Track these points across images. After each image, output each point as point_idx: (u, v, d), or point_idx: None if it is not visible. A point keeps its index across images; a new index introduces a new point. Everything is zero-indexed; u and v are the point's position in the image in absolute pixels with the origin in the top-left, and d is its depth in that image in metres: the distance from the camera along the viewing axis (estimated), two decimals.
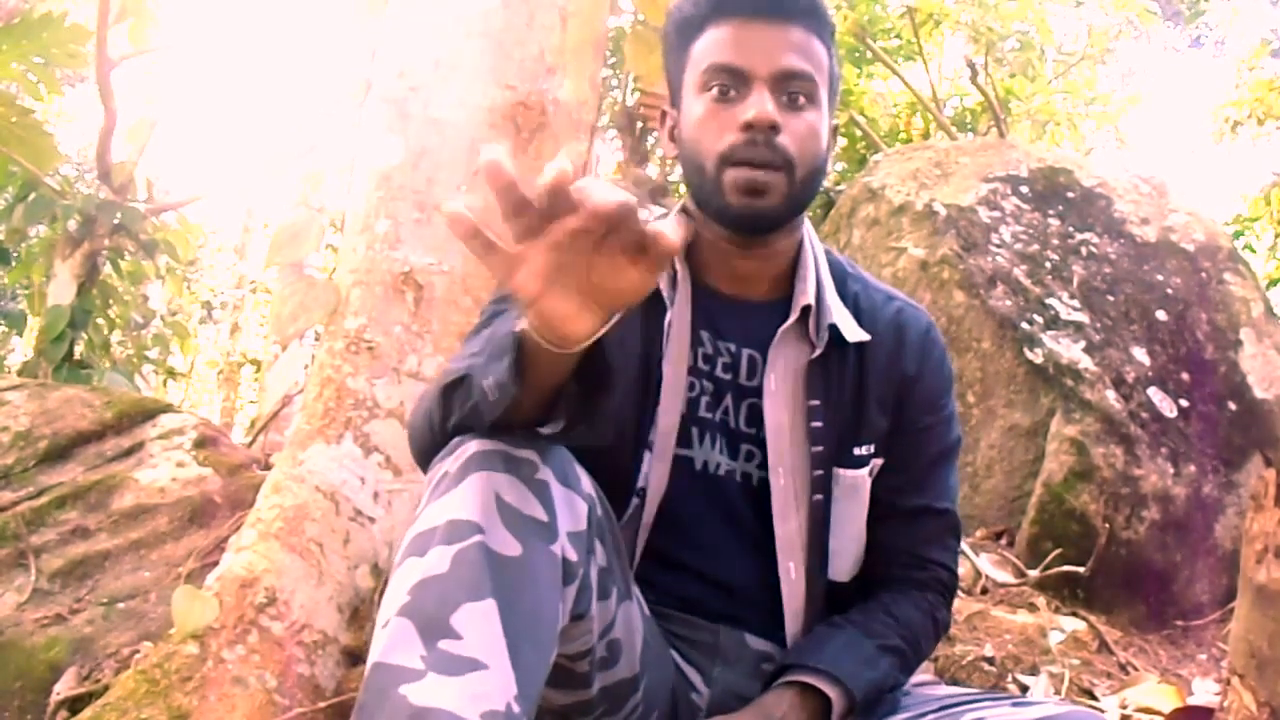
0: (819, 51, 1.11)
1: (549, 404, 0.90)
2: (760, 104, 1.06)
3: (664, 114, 1.19)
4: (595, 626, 0.96)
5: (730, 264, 1.16)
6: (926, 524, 1.19)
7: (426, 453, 0.98)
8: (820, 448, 1.14)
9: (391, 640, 0.80)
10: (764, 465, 1.15)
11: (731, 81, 1.08)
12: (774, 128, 1.06)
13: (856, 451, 1.16)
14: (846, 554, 1.18)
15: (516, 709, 0.79)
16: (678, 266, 1.16)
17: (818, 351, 1.14)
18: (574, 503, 0.92)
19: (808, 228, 1.20)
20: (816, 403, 1.14)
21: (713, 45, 1.10)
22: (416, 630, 0.80)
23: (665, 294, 1.15)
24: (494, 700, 0.78)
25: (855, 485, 1.16)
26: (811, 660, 1.06)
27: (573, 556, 0.89)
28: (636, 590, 1.07)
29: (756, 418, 1.15)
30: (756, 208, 1.08)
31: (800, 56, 1.08)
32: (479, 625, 0.80)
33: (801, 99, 1.09)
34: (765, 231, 1.12)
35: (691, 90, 1.12)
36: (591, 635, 0.96)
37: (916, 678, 1.19)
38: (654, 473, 1.14)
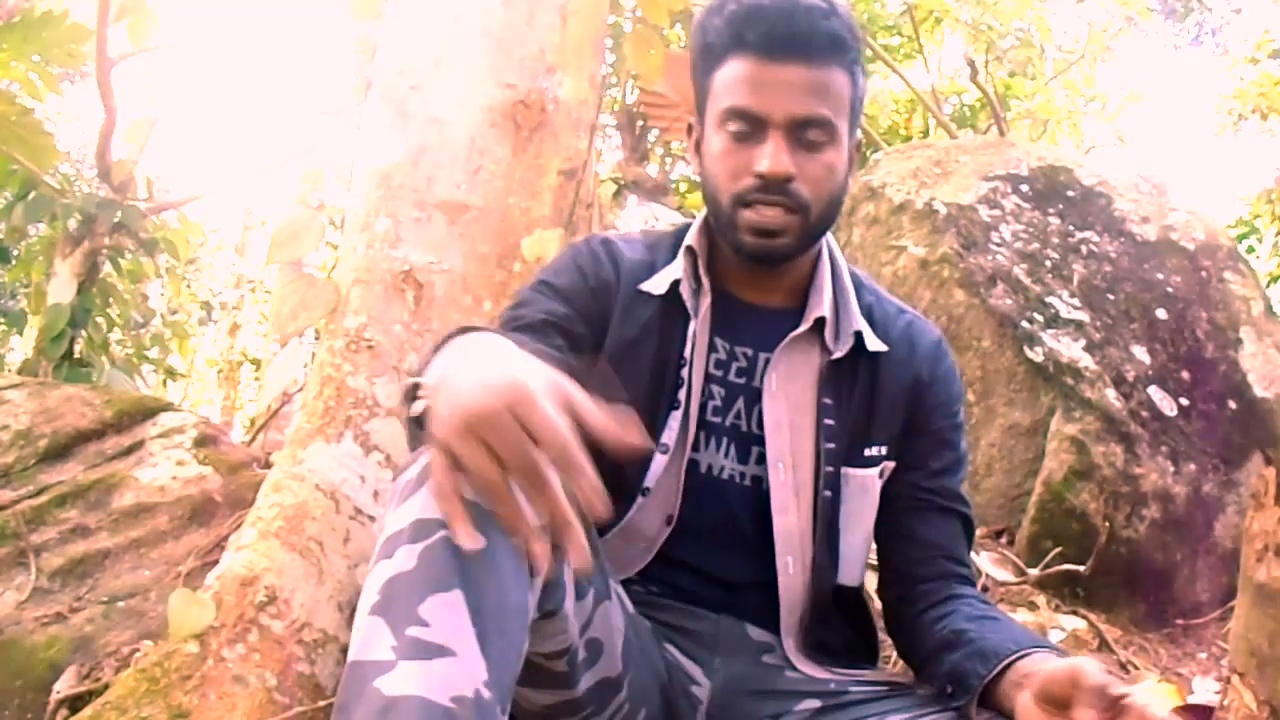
0: (841, 86, 1.10)
1: None
2: (774, 155, 1.07)
3: (690, 126, 1.20)
4: (572, 625, 0.96)
5: (749, 276, 1.19)
6: (958, 525, 1.20)
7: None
8: (831, 445, 1.16)
9: (364, 638, 0.81)
10: None
11: (747, 125, 1.09)
12: (788, 179, 1.07)
13: (868, 452, 1.18)
14: (856, 558, 1.19)
15: (487, 694, 0.79)
16: (703, 277, 1.18)
17: (837, 354, 1.16)
18: None
19: (827, 236, 1.22)
20: (829, 401, 1.16)
21: (731, 83, 1.10)
22: (386, 624, 0.80)
23: (689, 304, 1.17)
24: (462, 685, 0.78)
25: (864, 486, 1.18)
26: (1041, 643, 1.03)
27: None
28: (618, 589, 1.07)
29: None
30: (771, 247, 1.11)
31: (818, 99, 1.08)
32: (446, 614, 0.80)
33: (819, 139, 1.09)
34: (779, 264, 1.15)
35: (711, 122, 1.13)
36: (568, 634, 0.96)
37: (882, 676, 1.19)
38: (667, 476, 1.15)
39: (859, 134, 1.18)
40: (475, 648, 0.80)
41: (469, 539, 0.78)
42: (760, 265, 1.15)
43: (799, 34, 1.07)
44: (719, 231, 1.16)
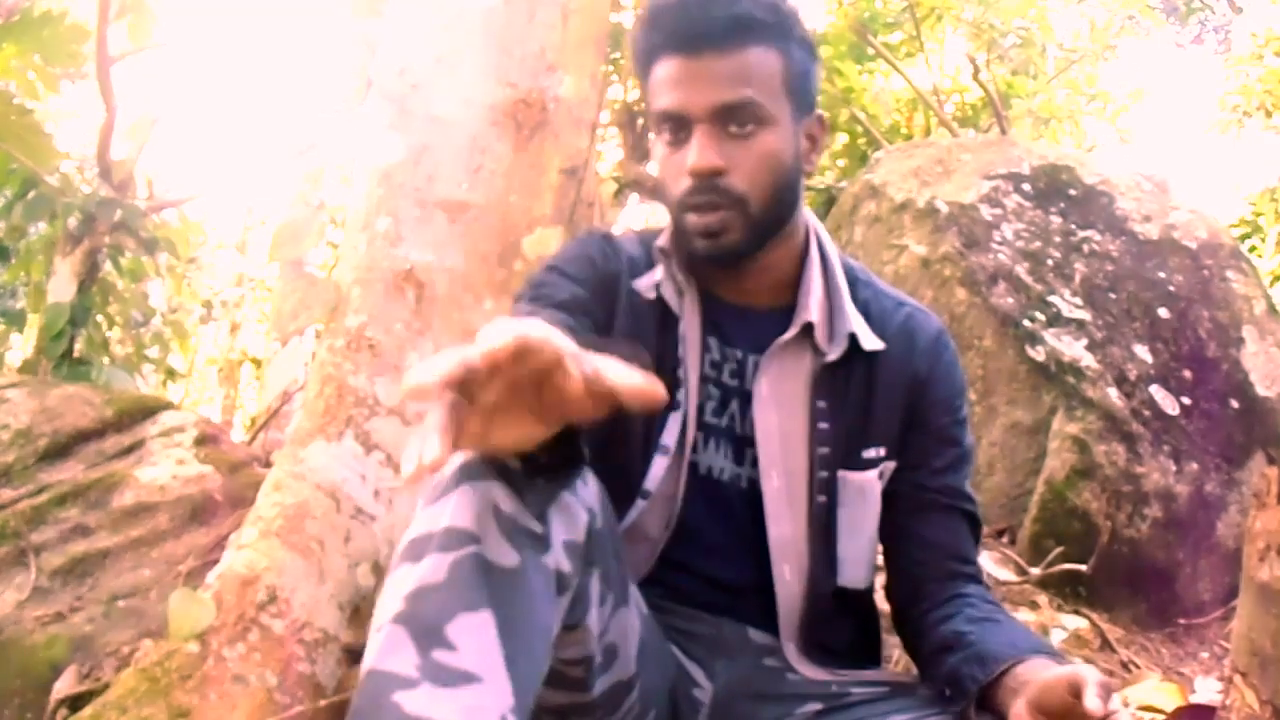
0: (766, 65, 1.07)
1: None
2: (699, 150, 1.05)
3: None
4: (593, 634, 0.96)
5: (726, 276, 1.16)
6: (963, 523, 1.19)
7: None
8: (826, 449, 1.14)
9: (386, 646, 0.79)
10: None
11: (676, 126, 1.08)
12: (716, 173, 1.06)
13: (865, 454, 1.15)
14: (858, 561, 1.17)
15: None
16: (678, 276, 1.16)
17: (831, 357, 1.14)
18: (573, 512, 0.91)
19: (817, 230, 1.19)
20: (823, 404, 1.14)
21: (656, 88, 1.09)
22: (411, 638, 0.79)
23: (674, 305, 1.16)
24: (489, 713, 0.77)
25: (863, 489, 1.16)
26: (1041, 647, 1.03)
27: (566, 568, 0.89)
28: (635, 592, 1.06)
29: None
30: (719, 246, 1.09)
31: (738, 84, 1.05)
32: (475, 637, 0.79)
33: (750, 125, 1.06)
34: (737, 263, 1.13)
35: (653, 131, 1.12)
36: (588, 643, 0.96)
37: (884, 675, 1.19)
38: (668, 478, 1.14)
39: (816, 111, 1.14)
40: (503, 673, 0.79)
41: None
42: (717, 266, 1.13)
43: (700, 25, 1.05)
44: (677, 238, 1.15)
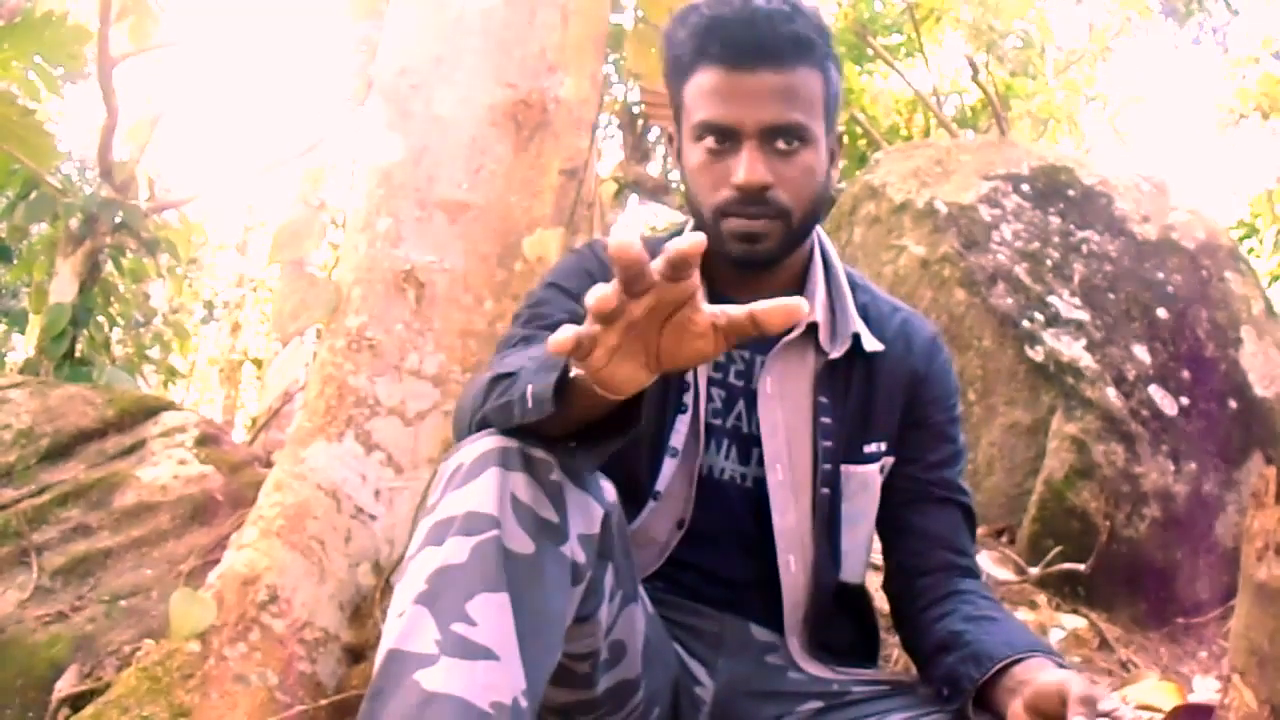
0: (812, 86, 1.09)
1: (573, 431, 0.91)
2: (749, 166, 1.07)
3: (670, 135, 1.20)
4: (601, 628, 0.97)
5: (739, 279, 1.18)
6: (958, 514, 1.21)
7: (462, 436, 0.99)
8: (829, 443, 1.16)
9: (408, 627, 0.81)
10: None
11: (721, 137, 1.09)
12: (765, 188, 1.08)
13: (866, 449, 1.18)
14: (858, 554, 1.20)
15: (524, 703, 0.80)
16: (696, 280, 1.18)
17: (834, 355, 1.17)
18: (588, 506, 0.93)
19: (820, 235, 1.22)
20: (826, 400, 1.17)
21: (700, 96, 1.09)
22: (432, 615, 0.81)
23: None
24: (503, 692, 0.79)
25: (865, 482, 1.18)
26: (1037, 645, 1.04)
27: (580, 559, 0.90)
28: (641, 590, 1.08)
29: None
30: (756, 252, 1.11)
31: (789, 105, 1.07)
32: (493, 616, 0.81)
33: (795, 143, 1.09)
34: (766, 267, 1.15)
35: (687, 134, 1.13)
36: (596, 638, 0.97)
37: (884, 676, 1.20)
38: (677, 480, 1.16)
39: (839, 128, 1.18)
40: (517, 655, 0.81)
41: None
42: (747, 270, 1.15)
43: (762, 41, 1.06)
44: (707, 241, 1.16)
